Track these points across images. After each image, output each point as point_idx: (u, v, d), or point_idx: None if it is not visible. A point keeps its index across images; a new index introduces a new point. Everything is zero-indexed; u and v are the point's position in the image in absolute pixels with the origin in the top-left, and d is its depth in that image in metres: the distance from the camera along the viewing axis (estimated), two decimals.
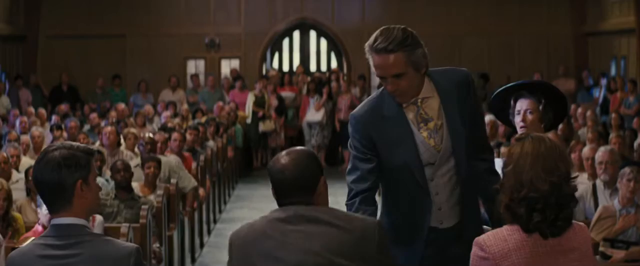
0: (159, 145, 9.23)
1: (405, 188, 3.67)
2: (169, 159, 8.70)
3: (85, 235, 3.00)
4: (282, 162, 2.99)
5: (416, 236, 3.69)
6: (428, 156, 3.63)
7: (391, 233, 3.63)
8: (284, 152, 3.04)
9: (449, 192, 3.67)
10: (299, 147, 3.10)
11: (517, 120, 4.42)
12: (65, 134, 10.78)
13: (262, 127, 15.36)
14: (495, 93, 4.55)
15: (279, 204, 3.01)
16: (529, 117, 4.37)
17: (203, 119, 13.48)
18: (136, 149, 9.69)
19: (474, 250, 2.86)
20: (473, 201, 3.74)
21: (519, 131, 4.44)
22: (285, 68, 19.23)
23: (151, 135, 9.08)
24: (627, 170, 6.19)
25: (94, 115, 13.18)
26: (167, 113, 13.88)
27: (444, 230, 3.68)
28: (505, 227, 2.86)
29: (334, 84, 16.09)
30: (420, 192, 3.64)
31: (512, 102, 4.46)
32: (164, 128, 11.00)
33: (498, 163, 4.60)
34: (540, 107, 4.36)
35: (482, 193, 3.74)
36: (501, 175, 2.92)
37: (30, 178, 7.29)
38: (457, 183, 3.67)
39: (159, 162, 8.07)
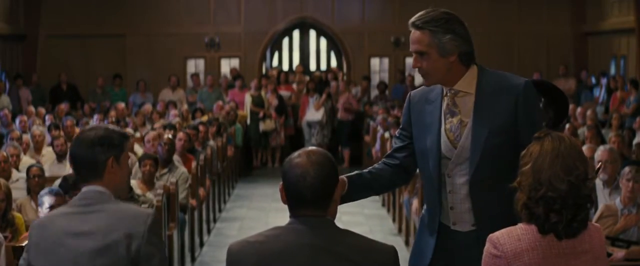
0: (182, 143, 9.47)
1: (427, 175, 3.64)
2: (185, 172, 8.70)
3: (108, 201, 3.26)
4: (304, 166, 2.81)
5: (431, 228, 3.66)
6: (446, 149, 3.57)
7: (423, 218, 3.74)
8: (302, 154, 2.87)
9: (463, 194, 3.57)
10: (315, 148, 2.93)
11: None
12: (63, 133, 10.78)
13: (263, 126, 15.37)
14: None
15: (293, 213, 2.86)
16: None
17: (204, 118, 13.48)
18: (134, 148, 9.74)
19: (487, 247, 2.84)
20: (498, 213, 3.51)
21: None
22: (285, 67, 19.23)
23: (170, 136, 9.06)
24: (627, 169, 6.19)
25: (99, 116, 13.18)
26: (174, 112, 13.87)
27: (455, 233, 3.59)
28: (519, 226, 2.84)
29: (333, 84, 16.10)
30: (436, 183, 3.60)
31: None
32: (169, 127, 10.99)
33: None
34: (541, 106, 4.37)
35: None
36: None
37: (31, 176, 7.30)
38: (472, 188, 3.55)
39: (155, 160, 8.11)
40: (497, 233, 2.86)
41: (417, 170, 3.78)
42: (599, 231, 2.91)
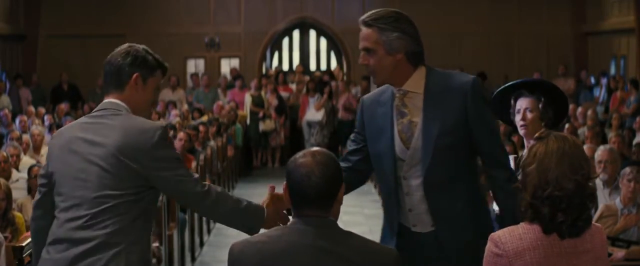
0: (182, 143, 9.51)
1: (384, 178, 3.64)
2: None
3: (122, 114, 3.31)
4: (309, 166, 2.82)
5: (391, 230, 3.66)
6: (399, 151, 3.57)
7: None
8: (307, 154, 2.87)
9: (420, 196, 3.55)
10: (319, 148, 2.94)
11: (517, 119, 4.42)
12: None
13: (262, 126, 15.37)
14: (495, 92, 4.55)
15: (296, 212, 2.86)
16: (529, 115, 4.38)
17: (204, 118, 13.49)
18: None
19: (489, 246, 2.85)
20: (455, 213, 3.54)
21: (520, 130, 4.45)
22: (285, 67, 19.24)
23: (170, 136, 9.07)
24: (627, 170, 6.19)
25: None
26: (175, 112, 13.87)
27: (417, 234, 3.57)
28: (521, 225, 2.84)
29: (333, 84, 16.10)
30: (393, 186, 3.60)
31: (512, 101, 4.46)
32: (169, 127, 11.00)
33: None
34: (540, 106, 4.37)
35: (501, 206, 3.61)
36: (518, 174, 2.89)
37: (32, 176, 7.30)
38: (427, 190, 3.54)
39: None
40: (499, 232, 2.86)
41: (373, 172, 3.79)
42: (601, 231, 2.92)
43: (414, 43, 3.53)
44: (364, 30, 3.52)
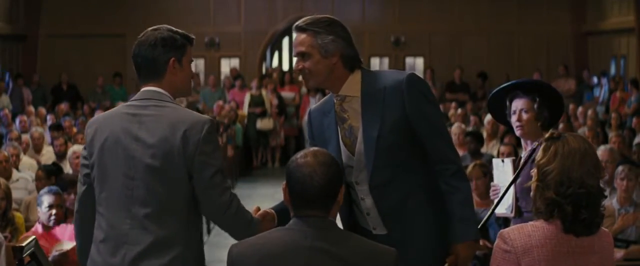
0: None
1: None
2: None
3: (166, 101, 3.23)
4: (311, 166, 2.83)
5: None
6: (345, 157, 3.56)
7: None
8: (308, 154, 2.88)
9: (372, 200, 3.53)
10: (319, 149, 2.95)
11: (513, 120, 4.43)
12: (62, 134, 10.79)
13: (260, 124, 15.37)
14: (491, 94, 4.56)
15: (296, 213, 2.86)
16: (524, 116, 4.38)
17: None
18: None
19: (498, 242, 2.88)
20: (408, 213, 3.52)
21: (516, 131, 4.46)
22: (285, 67, 19.24)
23: None
24: (620, 168, 6.21)
25: (98, 112, 13.20)
26: None
27: (379, 237, 3.52)
28: (531, 223, 2.87)
29: None
30: (348, 192, 3.58)
31: (507, 102, 4.47)
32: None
33: (496, 164, 4.62)
34: (535, 106, 4.37)
35: (448, 203, 3.52)
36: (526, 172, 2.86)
37: (39, 178, 7.32)
38: (373, 193, 3.51)
39: None
40: (508, 229, 2.90)
41: None
42: (609, 235, 2.96)
43: (348, 47, 3.52)
44: (298, 35, 3.52)
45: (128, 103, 3.31)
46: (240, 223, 3.27)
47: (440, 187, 3.51)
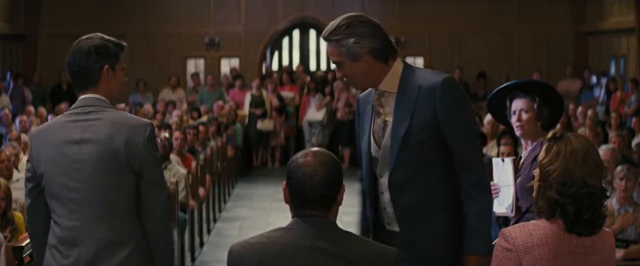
0: (179, 142, 9.50)
1: (364, 176, 3.67)
2: (184, 173, 8.69)
3: (106, 107, 3.36)
4: (312, 166, 2.82)
5: (366, 228, 3.70)
6: (373, 150, 3.59)
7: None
8: (309, 153, 2.87)
9: (389, 196, 3.55)
10: (319, 149, 2.94)
11: (513, 120, 4.43)
12: None
13: (260, 125, 15.38)
14: (491, 94, 4.56)
15: (296, 212, 2.86)
16: (524, 116, 4.38)
17: (204, 118, 13.49)
18: None
19: (499, 240, 2.89)
20: (423, 214, 3.51)
21: (516, 131, 4.46)
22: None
23: (167, 135, 9.04)
24: (619, 168, 6.22)
25: None
26: (177, 112, 13.86)
27: (390, 233, 3.56)
28: (533, 222, 2.88)
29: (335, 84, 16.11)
30: (371, 185, 3.63)
31: (507, 102, 4.47)
32: (166, 126, 10.98)
33: (496, 163, 4.62)
34: (535, 106, 4.37)
35: (465, 210, 3.50)
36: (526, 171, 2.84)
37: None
38: (391, 189, 3.53)
39: None
40: (510, 228, 2.91)
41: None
42: (611, 236, 2.96)
43: (374, 41, 3.52)
44: (327, 46, 3.58)
45: (69, 112, 3.44)
46: (169, 233, 3.44)
47: (461, 195, 3.50)
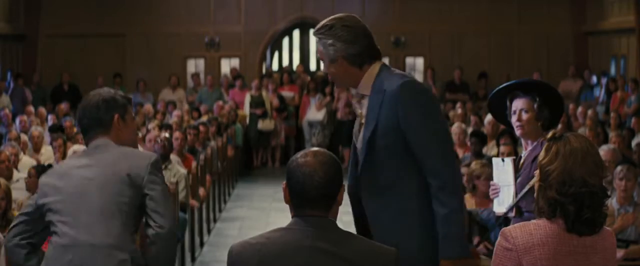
0: (179, 142, 9.51)
1: (350, 176, 3.71)
2: (184, 173, 8.69)
3: (113, 147, 3.46)
4: (312, 165, 2.82)
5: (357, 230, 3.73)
6: (358, 150, 3.65)
7: None
8: (309, 153, 2.87)
9: (363, 197, 3.60)
10: (319, 149, 2.93)
11: (513, 120, 4.43)
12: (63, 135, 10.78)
13: (260, 125, 15.38)
14: (492, 93, 4.56)
15: (296, 212, 2.86)
16: (524, 116, 4.38)
17: (204, 118, 13.49)
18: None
19: (500, 240, 2.88)
20: (385, 222, 3.52)
21: (516, 130, 4.46)
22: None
23: (167, 135, 9.04)
24: (619, 169, 6.22)
25: None
26: (177, 112, 13.86)
27: (372, 234, 3.58)
28: (533, 221, 2.88)
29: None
30: (355, 184, 3.67)
31: (507, 102, 4.47)
32: (166, 126, 10.98)
33: (496, 163, 4.62)
34: (535, 106, 4.37)
35: (436, 216, 3.47)
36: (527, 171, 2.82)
37: (31, 175, 7.32)
38: (362, 192, 3.57)
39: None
40: (510, 227, 2.91)
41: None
42: (612, 235, 2.95)
43: (349, 46, 3.54)
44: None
45: (79, 155, 3.59)
46: (172, 254, 3.51)
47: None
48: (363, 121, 3.58)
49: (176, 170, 8.53)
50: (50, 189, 3.45)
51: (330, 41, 3.55)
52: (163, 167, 8.55)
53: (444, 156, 3.49)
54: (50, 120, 12.66)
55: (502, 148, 7.90)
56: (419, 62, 18.02)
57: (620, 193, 6.15)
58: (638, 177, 6.46)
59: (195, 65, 18.27)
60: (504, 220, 4.52)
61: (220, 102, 15.31)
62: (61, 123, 11.62)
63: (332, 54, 3.55)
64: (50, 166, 7.72)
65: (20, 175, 7.96)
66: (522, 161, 4.46)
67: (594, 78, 16.88)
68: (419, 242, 3.48)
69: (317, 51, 3.67)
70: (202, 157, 10.00)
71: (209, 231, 10.08)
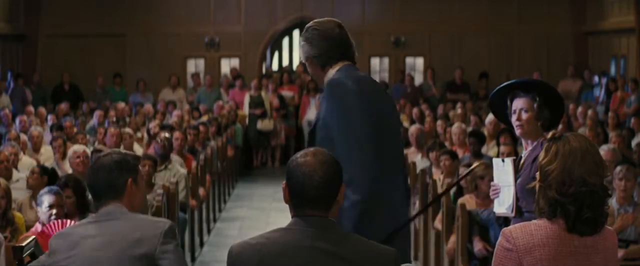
0: (179, 142, 9.51)
1: None
2: (184, 173, 8.68)
3: (124, 214, 3.37)
4: (312, 165, 2.82)
5: None
6: None
7: None
8: (309, 153, 2.87)
9: None
10: (318, 148, 2.94)
11: (513, 120, 4.43)
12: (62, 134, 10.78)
13: (260, 125, 15.37)
14: (492, 93, 4.56)
15: (296, 212, 2.86)
16: (524, 115, 4.38)
17: (204, 118, 13.48)
18: (134, 148, 9.75)
19: (500, 240, 2.88)
20: (341, 216, 3.52)
21: (516, 130, 4.46)
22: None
23: (167, 134, 9.03)
24: (618, 169, 6.21)
25: (100, 113, 13.18)
26: (177, 112, 13.85)
27: None
28: (534, 222, 2.88)
29: None
30: None
31: (508, 101, 4.47)
32: (167, 126, 10.98)
33: (496, 163, 4.62)
34: (535, 106, 4.37)
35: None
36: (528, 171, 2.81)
37: (34, 172, 7.32)
38: None
39: (154, 161, 8.06)
40: (511, 227, 2.91)
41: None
42: (613, 235, 2.95)
43: (313, 48, 3.83)
44: None
45: (91, 216, 3.52)
46: None
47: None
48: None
49: (176, 170, 8.53)
50: (61, 256, 3.37)
51: (302, 43, 3.86)
52: (163, 167, 8.56)
53: (351, 153, 3.66)
54: (50, 120, 12.66)
55: (502, 148, 7.89)
56: (419, 62, 18.02)
57: (620, 193, 6.15)
58: (638, 177, 6.46)
59: (195, 65, 18.27)
60: (504, 220, 4.52)
61: (220, 102, 15.31)
62: (61, 123, 11.62)
63: (303, 55, 3.87)
64: (54, 171, 7.72)
65: (20, 175, 7.96)
66: (522, 161, 4.46)
67: (596, 78, 16.88)
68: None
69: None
70: (202, 157, 10.00)
71: (208, 231, 10.08)
